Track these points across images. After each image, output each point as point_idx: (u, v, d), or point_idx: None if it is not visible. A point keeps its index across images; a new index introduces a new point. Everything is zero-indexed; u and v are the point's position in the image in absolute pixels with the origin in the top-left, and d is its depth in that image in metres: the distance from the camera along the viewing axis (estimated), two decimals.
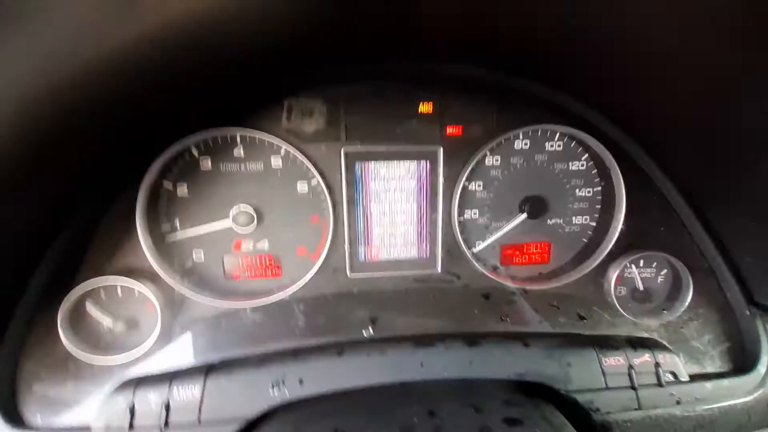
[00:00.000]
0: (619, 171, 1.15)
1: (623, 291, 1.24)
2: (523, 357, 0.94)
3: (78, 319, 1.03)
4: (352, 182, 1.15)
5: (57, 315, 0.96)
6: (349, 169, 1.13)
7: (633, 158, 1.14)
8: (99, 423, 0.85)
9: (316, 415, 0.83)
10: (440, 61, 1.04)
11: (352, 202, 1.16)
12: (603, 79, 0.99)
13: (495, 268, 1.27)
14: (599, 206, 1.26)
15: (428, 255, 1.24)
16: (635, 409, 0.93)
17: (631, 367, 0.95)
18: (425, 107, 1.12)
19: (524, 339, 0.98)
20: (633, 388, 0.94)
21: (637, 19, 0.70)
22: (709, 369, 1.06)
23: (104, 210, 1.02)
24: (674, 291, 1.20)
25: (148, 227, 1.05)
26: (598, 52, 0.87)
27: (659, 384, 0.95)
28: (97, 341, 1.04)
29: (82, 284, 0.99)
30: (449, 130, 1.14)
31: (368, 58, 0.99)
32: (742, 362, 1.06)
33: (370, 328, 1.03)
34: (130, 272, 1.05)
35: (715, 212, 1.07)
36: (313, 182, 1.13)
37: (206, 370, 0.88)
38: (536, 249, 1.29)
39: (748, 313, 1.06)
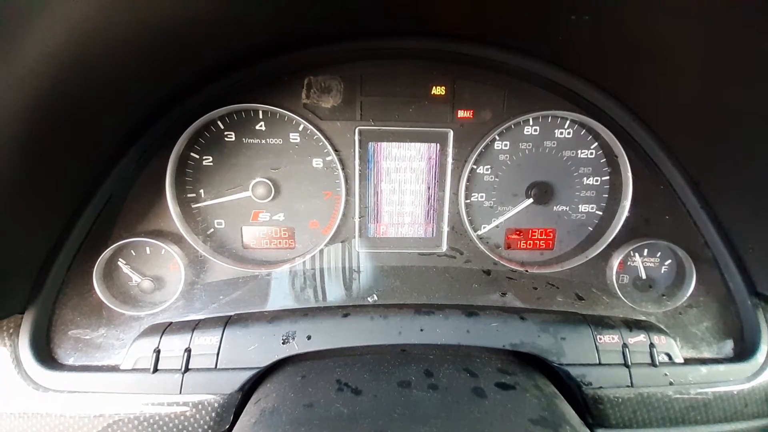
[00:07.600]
0: (626, 159, 1.17)
1: (626, 279, 1.26)
2: (519, 329, 0.97)
3: (110, 275, 1.13)
4: (365, 159, 1.21)
5: (92, 269, 1.06)
6: (363, 146, 1.19)
7: (641, 146, 1.15)
8: (127, 363, 0.94)
9: (322, 368, 0.90)
10: (455, 39, 1.07)
11: (363, 178, 1.22)
12: (616, 62, 1.00)
13: (497, 247, 1.31)
14: (606, 195, 1.28)
15: (434, 235, 1.29)
16: (627, 386, 0.95)
17: (625, 345, 0.98)
18: (438, 90, 1.17)
19: (521, 313, 1.02)
20: (626, 365, 0.96)
21: (652, 3, 0.72)
22: (706, 354, 1.07)
23: (136, 175, 1.11)
24: (677, 280, 1.22)
25: (175, 193, 1.14)
26: (613, 35, 0.89)
27: (653, 364, 0.97)
28: (126, 296, 1.14)
29: (114, 243, 1.09)
30: (460, 113, 1.19)
31: (385, 35, 1.04)
32: (740, 350, 1.07)
33: (375, 295, 1.09)
34: (157, 234, 1.14)
35: (721, 202, 1.07)
36: (328, 158, 1.19)
37: (225, 321, 0.96)
38: (541, 235, 1.32)
39: (749, 303, 1.07)
